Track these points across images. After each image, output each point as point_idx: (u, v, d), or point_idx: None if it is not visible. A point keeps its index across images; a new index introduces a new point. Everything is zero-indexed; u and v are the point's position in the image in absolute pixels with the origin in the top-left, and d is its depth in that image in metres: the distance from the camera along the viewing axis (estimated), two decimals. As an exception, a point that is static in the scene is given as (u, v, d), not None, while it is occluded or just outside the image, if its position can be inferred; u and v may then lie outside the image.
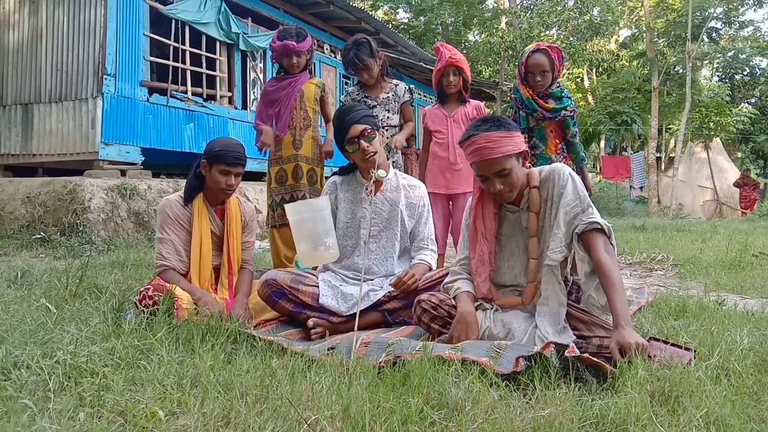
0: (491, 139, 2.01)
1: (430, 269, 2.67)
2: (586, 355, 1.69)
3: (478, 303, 2.21)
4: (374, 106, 3.49)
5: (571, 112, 3.32)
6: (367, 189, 2.64)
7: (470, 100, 3.58)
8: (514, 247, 2.18)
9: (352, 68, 3.46)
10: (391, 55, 10.92)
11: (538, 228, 2.10)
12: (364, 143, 2.57)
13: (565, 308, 2.02)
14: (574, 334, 1.98)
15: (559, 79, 3.39)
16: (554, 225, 2.02)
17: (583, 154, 3.47)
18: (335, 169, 2.89)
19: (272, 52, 3.58)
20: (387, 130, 3.47)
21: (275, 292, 2.48)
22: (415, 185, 2.79)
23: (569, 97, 3.37)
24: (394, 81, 3.61)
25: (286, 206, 2.52)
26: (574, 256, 2.03)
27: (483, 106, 3.63)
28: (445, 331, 2.15)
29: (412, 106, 3.65)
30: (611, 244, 1.99)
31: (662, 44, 20.35)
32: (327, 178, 3.16)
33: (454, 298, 2.21)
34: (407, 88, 3.60)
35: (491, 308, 2.19)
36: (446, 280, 2.33)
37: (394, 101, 3.53)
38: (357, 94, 3.57)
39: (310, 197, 3.44)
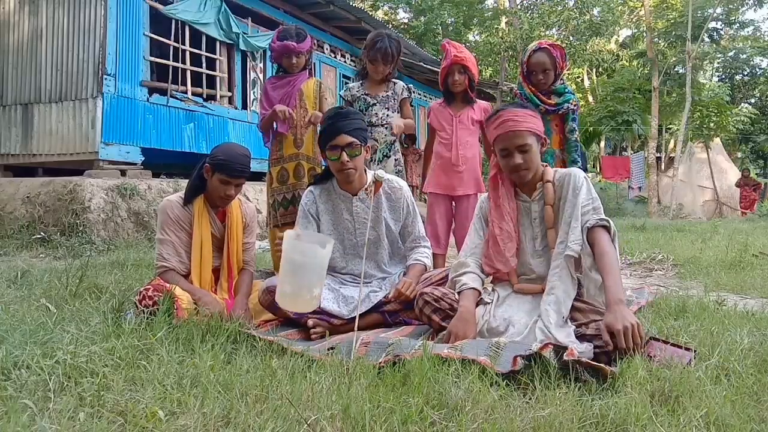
0: (518, 114, 2.18)
1: (426, 268, 2.67)
2: (584, 359, 1.69)
3: (480, 297, 2.26)
4: (374, 104, 3.48)
5: (574, 105, 3.34)
6: (366, 189, 2.63)
7: (477, 101, 3.56)
8: (522, 236, 2.29)
9: (378, 56, 3.38)
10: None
11: (555, 220, 2.20)
12: (345, 156, 2.48)
13: (571, 300, 2.07)
14: (573, 324, 2.01)
15: (562, 76, 3.40)
16: (572, 220, 2.13)
17: (576, 156, 3.38)
18: None
19: (272, 52, 3.57)
20: (386, 128, 3.47)
21: None
22: (396, 186, 2.71)
23: (572, 93, 3.40)
24: (393, 80, 3.61)
25: (288, 238, 2.12)
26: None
27: (490, 108, 3.61)
28: (445, 325, 2.19)
29: (411, 105, 3.64)
30: (613, 244, 2.09)
31: (662, 44, 20.34)
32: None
33: (459, 293, 2.25)
34: (405, 86, 3.59)
35: (492, 302, 2.23)
36: (453, 273, 2.36)
37: (393, 99, 3.52)
38: (357, 91, 3.55)
39: None
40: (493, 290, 2.34)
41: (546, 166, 2.27)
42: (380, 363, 1.76)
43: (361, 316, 2.34)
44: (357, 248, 2.68)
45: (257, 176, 7.61)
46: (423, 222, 2.91)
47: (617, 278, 1.97)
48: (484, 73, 21.86)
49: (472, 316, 2.14)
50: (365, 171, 2.68)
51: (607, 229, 2.10)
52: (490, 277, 2.41)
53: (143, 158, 6.83)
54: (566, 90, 3.37)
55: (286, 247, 2.10)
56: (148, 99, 6.92)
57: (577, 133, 3.42)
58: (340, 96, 3.85)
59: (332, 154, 2.52)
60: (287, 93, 3.53)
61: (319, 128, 3.61)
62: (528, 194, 2.28)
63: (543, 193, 2.23)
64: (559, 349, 1.70)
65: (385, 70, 3.44)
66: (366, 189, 2.63)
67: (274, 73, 3.73)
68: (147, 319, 2.11)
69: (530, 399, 1.52)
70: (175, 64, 7.28)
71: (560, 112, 3.35)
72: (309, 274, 2.08)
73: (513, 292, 2.28)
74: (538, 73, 3.27)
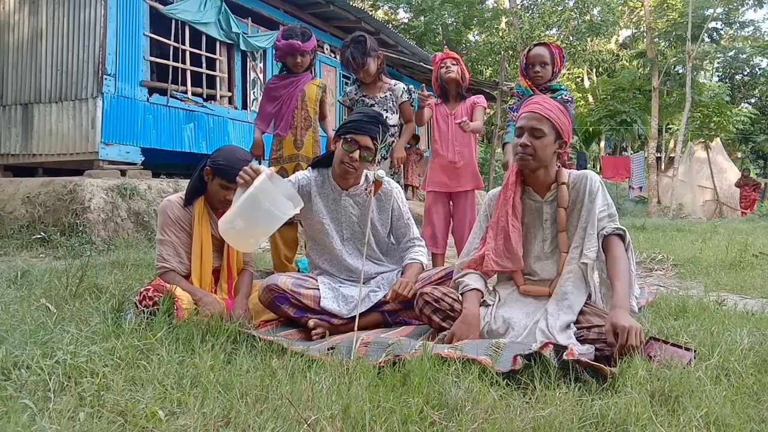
0: (549, 102, 2.17)
1: (423, 266, 2.66)
2: (584, 358, 1.69)
3: (483, 299, 2.24)
4: (372, 105, 3.48)
5: (568, 97, 3.41)
6: (366, 189, 2.63)
7: (469, 95, 3.62)
8: (531, 237, 2.26)
9: (349, 67, 3.47)
10: (391, 55, 10.91)
11: (567, 223, 2.18)
12: (357, 155, 2.48)
13: (580, 306, 2.07)
14: (575, 326, 2.01)
15: (558, 77, 3.50)
16: (588, 226, 2.12)
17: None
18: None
19: (276, 50, 3.58)
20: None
21: (278, 297, 2.47)
22: (386, 189, 2.68)
23: (567, 90, 3.53)
24: (393, 81, 3.61)
25: (263, 177, 2.06)
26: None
27: (482, 98, 3.65)
28: (445, 325, 2.19)
29: (412, 106, 3.65)
30: (627, 254, 2.08)
31: (662, 44, 20.35)
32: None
33: (462, 294, 2.24)
34: (405, 88, 3.60)
35: (493, 304, 2.23)
36: (456, 274, 2.36)
37: (392, 101, 3.52)
38: (355, 94, 3.57)
39: None
40: (494, 290, 2.33)
41: (560, 167, 2.23)
42: (380, 363, 1.76)
43: (361, 315, 2.34)
44: (343, 242, 2.68)
45: (257, 176, 7.61)
46: (419, 223, 2.91)
47: (627, 285, 1.96)
48: (484, 73, 21.86)
49: (476, 319, 2.13)
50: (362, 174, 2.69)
51: (622, 238, 2.09)
52: (493, 277, 2.40)
53: (143, 158, 6.83)
54: (561, 87, 3.49)
55: (258, 186, 2.03)
56: (148, 99, 6.92)
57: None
58: (339, 102, 3.88)
59: (348, 146, 2.51)
60: (289, 93, 3.53)
61: (322, 133, 3.65)
62: (540, 194, 2.24)
63: (557, 195, 2.20)
64: (560, 348, 1.70)
65: (368, 70, 3.45)
66: (366, 189, 2.63)
67: (276, 73, 3.74)
68: (147, 319, 2.11)
69: (530, 399, 1.52)
70: (175, 64, 7.28)
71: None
72: (266, 222, 2.05)
73: (518, 293, 2.25)
74: (536, 65, 3.38)
